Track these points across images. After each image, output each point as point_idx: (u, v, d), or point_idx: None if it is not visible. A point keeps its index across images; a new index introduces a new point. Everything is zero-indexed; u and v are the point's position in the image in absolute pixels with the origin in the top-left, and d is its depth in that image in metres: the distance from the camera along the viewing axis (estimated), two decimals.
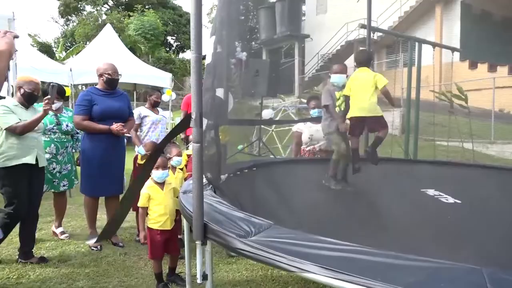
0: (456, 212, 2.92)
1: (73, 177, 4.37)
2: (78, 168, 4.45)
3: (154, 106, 4.82)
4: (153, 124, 4.68)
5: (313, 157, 4.76)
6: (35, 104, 3.72)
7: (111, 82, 4.04)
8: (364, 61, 3.80)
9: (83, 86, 11.62)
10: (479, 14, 15.83)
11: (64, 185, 4.24)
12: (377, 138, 3.74)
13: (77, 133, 4.45)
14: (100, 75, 4.06)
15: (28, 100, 3.53)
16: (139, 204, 3.08)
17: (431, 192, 3.42)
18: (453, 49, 7.95)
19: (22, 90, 3.50)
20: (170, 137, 3.32)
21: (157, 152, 3.02)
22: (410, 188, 3.82)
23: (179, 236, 3.98)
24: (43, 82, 4.24)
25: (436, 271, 1.35)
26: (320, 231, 1.74)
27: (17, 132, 3.35)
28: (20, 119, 3.38)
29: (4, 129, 3.35)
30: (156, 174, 3.06)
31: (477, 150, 8.85)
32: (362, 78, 3.68)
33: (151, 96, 4.83)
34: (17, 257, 3.60)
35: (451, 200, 3.12)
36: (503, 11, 15.13)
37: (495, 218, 2.72)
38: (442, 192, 3.38)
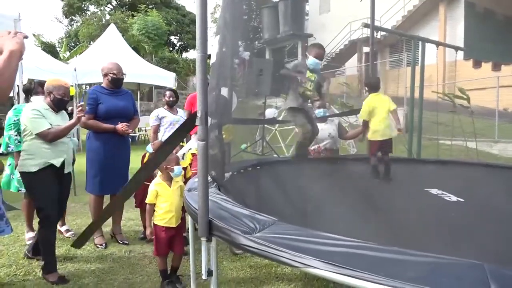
0: (459, 210, 2.93)
1: None
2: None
3: (171, 105, 4.88)
4: (170, 125, 4.75)
5: (318, 156, 4.78)
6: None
7: (116, 81, 4.08)
8: (376, 86, 4.25)
9: (87, 86, 11.69)
10: (483, 13, 15.78)
11: None
12: (387, 164, 4.22)
13: None
14: (105, 75, 4.10)
15: (57, 106, 3.42)
16: (146, 201, 3.12)
17: (434, 191, 3.43)
18: (456, 48, 7.94)
19: (51, 96, 3.37)
20: (176, 138, 3.24)
21: (162, 152, 2.99)
22: (414, 186, 3.83)
23: (183, 235, 4.03)
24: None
25: (439, 266, 1.37)
26: (323, 228, 1.76)
27: (48, 139, 3.25)
28: (51, 124, 3.29)
29: (35, 134, 3.25)
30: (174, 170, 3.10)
31: (480, 149, 8.83)
32: (379, 103, 4.21)
33: (164, 96, 4.91)
34: (25, 251, 3.62)
35: (454, 198, 3.13)
36: (507, 10, 15.08)
37: (498, 216, 2.74)
38: (445, 191, 3.39)
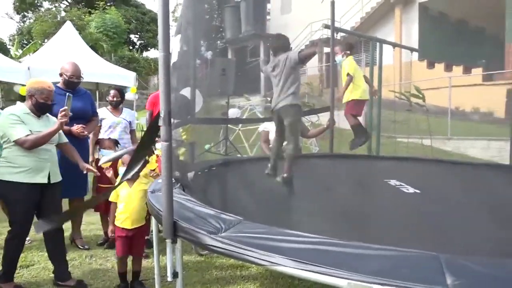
0: (415, 203, 3.07)
1: None
2: None
3: (115, 106, 4.60)
4: (110, 127, 4.46)
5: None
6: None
7: (68, 83, 3.94)
8: (353, 48, 4.34)
9: None
10: (436, 15, 16.51)
11: None
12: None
13: None
14: (60, 74, 3.96)
15: (40, 110, 3.15)
16: (109, 198, 3.06)
17: (392, 182, 3.58)
18: (411, 49, 8.28)
19: (33, 99, 3.08)
20: (147, 142, 2.96)
21: (138, 160, 2.82)
22: (373, 181, 3.97)
23: (146, 237, 3.95)
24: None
25: (398, 259, 1.43)
26: (288, 225, 1.79)
27: (26, 146, 2.97)
28: (30, 131, 3.01)
29: (13, 141, 2.98)
30: (122, 170, 3.04)
31: (435, 146, 9.25)
32: (356, 65, 4.37)
33: (108, 96, 4.67)
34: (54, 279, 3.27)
35: (411, 190, 3.27)
36: (458, 13, 15.85)
37: (452, 208, 2.88)
38: (402, 187, 3.53)
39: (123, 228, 3.01)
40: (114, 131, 4.47)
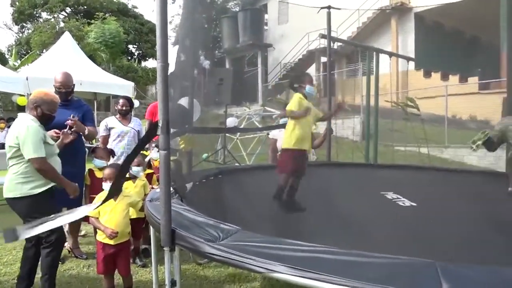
0: (412, 213, 3.08)
1: None
2: None
3: (124, 115, 4.58)
4: (118, 137, 4.45)
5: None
6: None
7: (57, 94, 3.89)
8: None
9: None
10: (432, 25, 16.65)
11: None
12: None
13: None
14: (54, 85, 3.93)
15: (44, 121, 3.07)
16: (88, 213, 2.99)
17: (389, 195, 3.58)
18: (408, 59, 8.35)
19: (39, 110, 3.01)
20: (138, 150, 3.07)
21: (124, 168, 2.84)
22: (371, 192, 3.97)
23: (144, 246, 3.94)
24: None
25: (395, 266, 1.44)
26: (285, 234, 1.80)
27: (38, 167, 2.87)
28: (49, 143, 2.98)
29: (28, 158, 2.85)
30: (105, 186, 3.00)
31: (432, 154, 9.28)
32: None
33: (117, 104, 4.65)
34: None
35: (407, 202, 3.27)
36: (454, 23, 16.00)
37: (449, 216, 2.89)
38: (400, 194, 3.54)
39: (105, 244, 2.91)
40: (122, 140, 4.44)
